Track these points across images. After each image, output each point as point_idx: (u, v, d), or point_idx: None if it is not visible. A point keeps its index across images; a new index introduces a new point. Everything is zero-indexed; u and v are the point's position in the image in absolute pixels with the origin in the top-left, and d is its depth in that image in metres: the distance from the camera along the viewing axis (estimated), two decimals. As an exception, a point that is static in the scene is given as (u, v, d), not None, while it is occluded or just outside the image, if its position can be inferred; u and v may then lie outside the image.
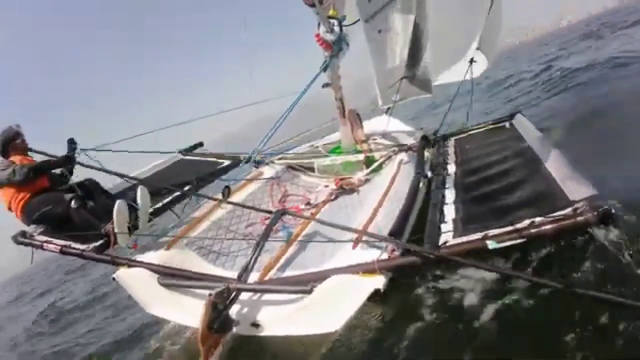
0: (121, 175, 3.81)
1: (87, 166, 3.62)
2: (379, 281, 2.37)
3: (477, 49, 5.12)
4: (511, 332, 2.40)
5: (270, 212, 3.52)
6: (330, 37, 4.17)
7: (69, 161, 3.57)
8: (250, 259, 2.91)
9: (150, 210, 3.60)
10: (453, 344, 2.41)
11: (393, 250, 2.54)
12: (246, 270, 2.84)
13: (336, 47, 4.31)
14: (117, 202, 3.13)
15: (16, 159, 3.42)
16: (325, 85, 4.76)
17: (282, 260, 3.20)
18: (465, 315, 2.60)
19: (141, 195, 3.33)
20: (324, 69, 4.44)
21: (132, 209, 3.30)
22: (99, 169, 3.65)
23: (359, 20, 4.71)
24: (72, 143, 3.66)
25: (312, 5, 4.04)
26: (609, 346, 2.10)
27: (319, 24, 4.21)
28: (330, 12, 4.18)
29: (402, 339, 2.54)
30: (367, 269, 2.42)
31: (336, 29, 4.21)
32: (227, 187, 3.66)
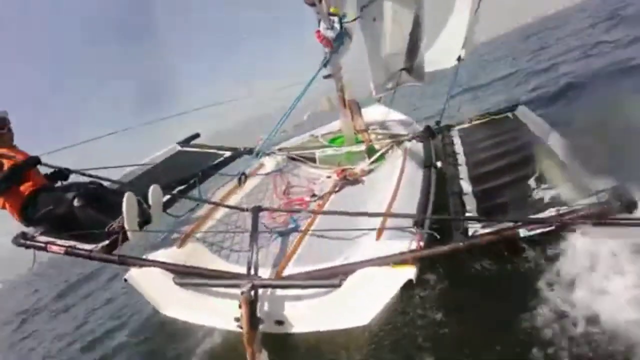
0: (100, 177, 3.42)
1: (55, 167, 3.27)
2: (410, 272, 2.31)
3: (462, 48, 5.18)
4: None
5: (243, 209, 3.32)
6: (330, 34, 4.21)
7: (35, 162, 3.19)
8: (251, 255, 2.70)
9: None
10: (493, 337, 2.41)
11: (419, 240, 2.53)
12: (251, 265, 2.66)
13: (337, 43, 4.33)
14: (126, 194, 2.88)
15: (2, 151, 3.17)
16: (327, 76, 4.78)
17: (297, 254, 3.13)
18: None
19: (153, 192, 3.13)
20: (325, 65, 4.48)
21: (139, 204, 3.12)
22: (69, 170, 3.33)
23: (359, 17, 4.70)
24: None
25: (312, 5, 4.10)
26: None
27: (319, 21, 4.23)
28: (332, 9, 4.23)
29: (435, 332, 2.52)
30: (399, 260, 2.37)
31: (337, 25, 4.24)
32: (244, 173, 3.50)
